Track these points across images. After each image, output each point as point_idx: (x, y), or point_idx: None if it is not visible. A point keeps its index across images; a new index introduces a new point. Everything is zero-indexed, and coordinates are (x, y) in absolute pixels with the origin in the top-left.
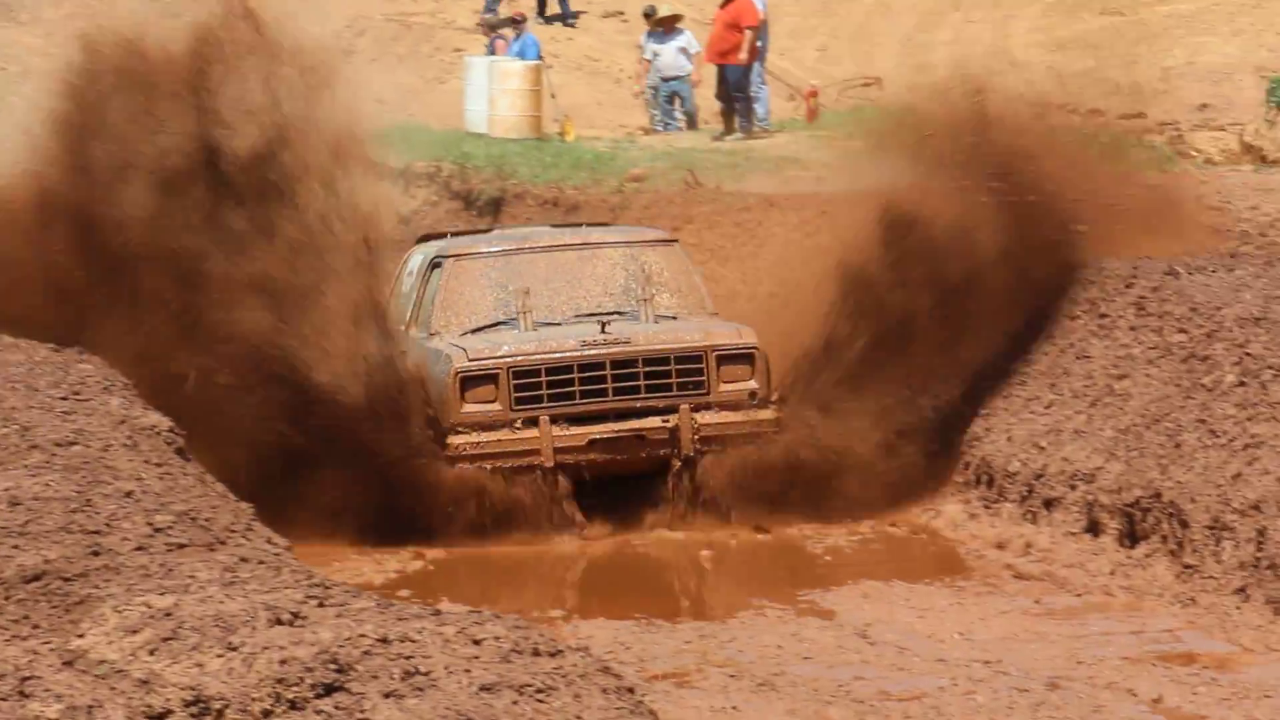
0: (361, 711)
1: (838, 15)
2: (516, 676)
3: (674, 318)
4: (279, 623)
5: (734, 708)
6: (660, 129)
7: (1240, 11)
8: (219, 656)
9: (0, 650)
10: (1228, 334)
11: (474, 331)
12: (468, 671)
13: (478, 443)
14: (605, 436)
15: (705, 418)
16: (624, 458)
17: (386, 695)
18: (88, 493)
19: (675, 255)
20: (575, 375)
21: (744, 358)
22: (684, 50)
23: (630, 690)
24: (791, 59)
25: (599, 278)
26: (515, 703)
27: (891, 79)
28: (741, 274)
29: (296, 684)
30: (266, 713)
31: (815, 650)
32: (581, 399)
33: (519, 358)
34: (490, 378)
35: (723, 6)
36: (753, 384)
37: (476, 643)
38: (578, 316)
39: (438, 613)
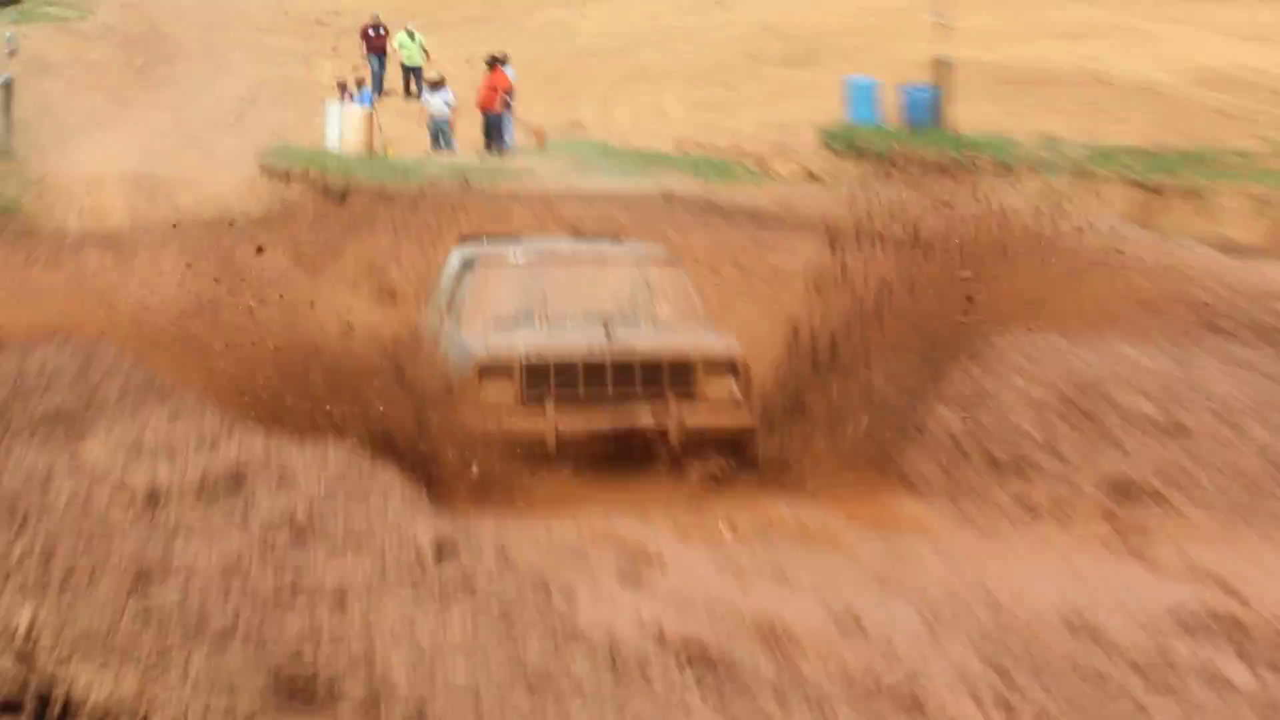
0: (254, 497)
1: (558, 83)
2: (348, 480)
3: (672, 327)
4: (205, 445)
5: None
6: (439, 150)
7: (805, 90)
8: (167, 463)
9: (27, 457)
10: None
11: (497, 328)
12: (318, 478)
13: (490, 425)
14: (603, 428)
15: (692, 417)
16: (616, 446)
17: (269, 489)
18: (86, 365)
19: (677, 273)
20: (580, 373)
21: (728, 366)
22: (446, 102)
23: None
24: (528, 108)
25: (609, 288)
26: (347, 495)
27: (589, 123)
28: None
29: (215, 480)
30: (198, 494)
31: None
32: (584, 393)
33: (531, 354)
34: (506, 370)
35: (487, 75)
36: (734, 389)
37: (324, 461)
38: (589, 320)
39: (301, 442)
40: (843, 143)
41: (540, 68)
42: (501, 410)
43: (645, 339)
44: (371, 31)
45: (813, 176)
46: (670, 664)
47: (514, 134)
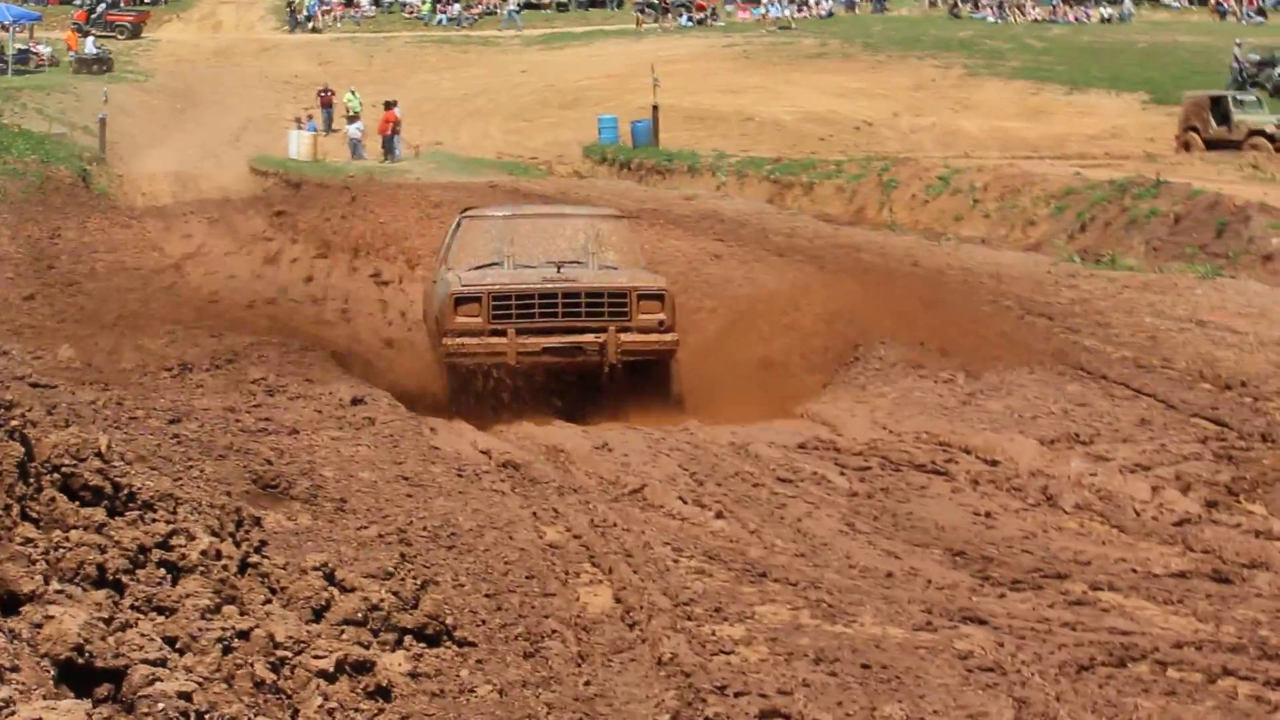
0: (244, 368)
1: (427, 118)
2: (300, 359)
3: (615, 268)
4: (215, 336)
5: None
6: (355, 159)
7: (573, 123)
8: (192, 346)
9: (107, 342)
10: None
11: (474, 268)
12: (281, 357)
13: (463, 344)
14: (554, 346)
15: (626, 337)
16: (566, 361)
17: (253, 363)
18: (145, 286)
19: (623, 226)
20: (536, 302)
21: (657, 297)
22: (360, 129)
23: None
24: (409, 133)
25: (566, 238)
26: (298, 368)
27: (446, 142)
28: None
29: (221, 357)
30: (210, 365)
31: None
32: (539, 318)
33: (496, 287)
34: (476, 299)
35: (384, 113)
36: (662, 316)
37: (285, 348)
38: (548, 263)
39: (271, 336)
40: (597, 155)
41: (417, 109)
42: (472, 332)
43: (590, 275)
44: (323, 93)
45: (579, 175)
46: (494, 471)
47: (401, 149)
